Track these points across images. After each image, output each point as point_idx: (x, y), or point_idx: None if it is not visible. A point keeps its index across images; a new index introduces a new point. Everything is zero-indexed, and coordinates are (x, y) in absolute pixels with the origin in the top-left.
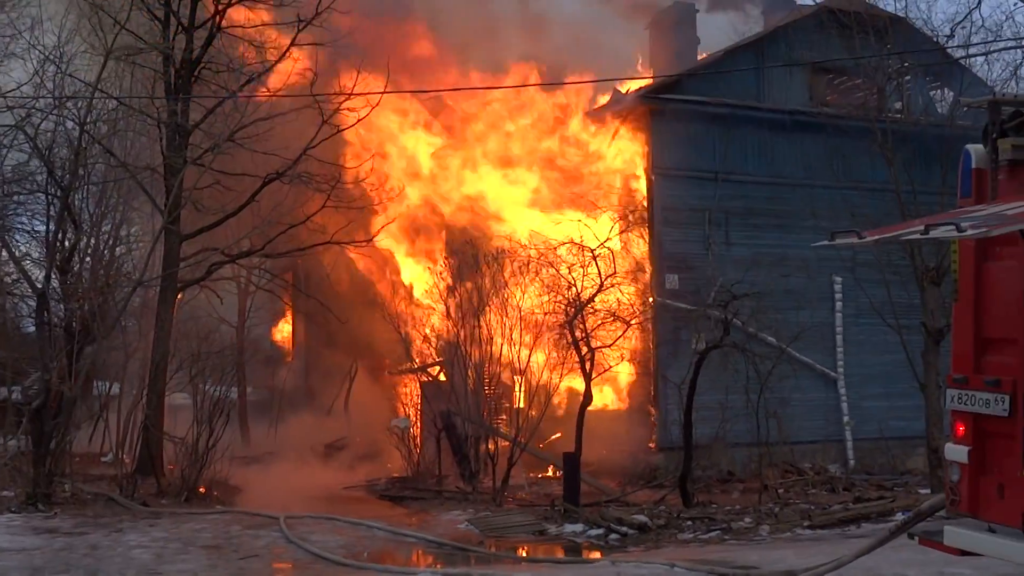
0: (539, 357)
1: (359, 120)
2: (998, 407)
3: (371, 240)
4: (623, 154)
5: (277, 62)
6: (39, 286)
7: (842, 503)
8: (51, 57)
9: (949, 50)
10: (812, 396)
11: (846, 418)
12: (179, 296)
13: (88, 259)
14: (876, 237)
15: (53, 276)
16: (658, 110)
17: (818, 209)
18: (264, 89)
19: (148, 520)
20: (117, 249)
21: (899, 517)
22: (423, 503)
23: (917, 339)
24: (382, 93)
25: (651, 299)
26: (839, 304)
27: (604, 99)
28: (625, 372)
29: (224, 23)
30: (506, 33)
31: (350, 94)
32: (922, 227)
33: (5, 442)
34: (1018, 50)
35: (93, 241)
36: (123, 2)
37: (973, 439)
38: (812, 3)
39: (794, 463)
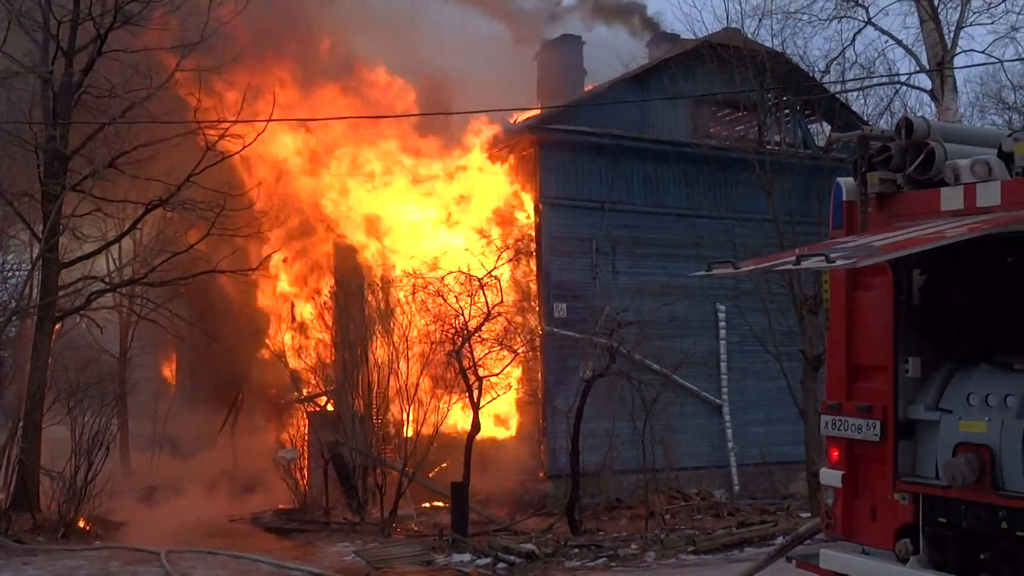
0: (427, 386)
1: (244, 147)
2: (870, 432)
3: (256, 269)
4: (511, 183)
5: (160, 88)
6: None
7: (726, 528)
8: None
9: (826, 85)
10: (697, 423)
11: (730, 444)
12: (57, 326)
13: None
14: (751, 267)
15: None
16: (546, 140)
17: (701, 238)
18: (146, 115)
19: (22, 558)
20: None
21: (780, 541)
22: (310, 535)
23: (797, 366)
24: (267, 121)
25: (539, 328)
26: (723, 332)
27: (493, 129)
28: (514, 401)
29: (105, 47)
30: (395, 63)
31: (234, 121)
32: (794, 258)
33: None
34: (890, 86)
35: None
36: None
37: (846, 464)
38: (694, 37)
39: (680, 489)
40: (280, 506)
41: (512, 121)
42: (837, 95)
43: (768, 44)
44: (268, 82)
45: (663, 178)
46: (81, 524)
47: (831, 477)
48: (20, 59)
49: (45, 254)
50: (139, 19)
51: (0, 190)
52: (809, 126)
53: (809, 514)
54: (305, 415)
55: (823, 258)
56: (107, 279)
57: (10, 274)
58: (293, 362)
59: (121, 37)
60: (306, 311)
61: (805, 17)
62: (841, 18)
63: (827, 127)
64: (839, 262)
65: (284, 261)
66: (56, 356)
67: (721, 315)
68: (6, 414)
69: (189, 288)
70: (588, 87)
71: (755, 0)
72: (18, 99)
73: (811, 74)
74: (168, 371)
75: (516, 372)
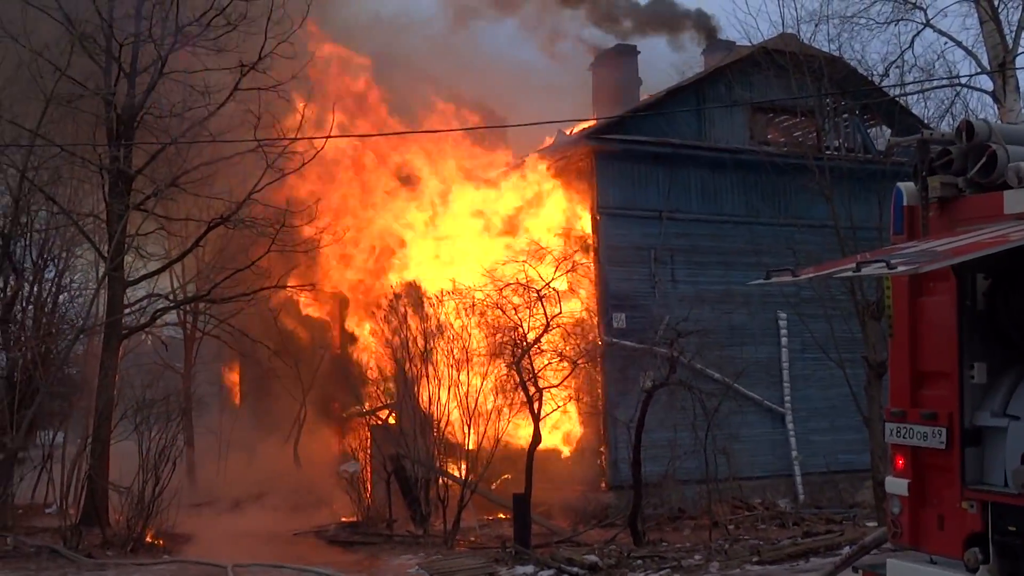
0: (487, 398)
1: (303, 164)
2: (935, 440)
3: (316, 284)
4: (568, 194)
5: (220, 107)
6: None
7: (791, 538)
8: None
9: (885, 89)
10: (760, 432)
11: (794, 453)
12: (124, 343)
13: (30, 307)
14: (810, 275)
15: None
16: (602, 150)
17: (760, 246)
18: (207, 133)
19: (93, 572)
20: (60, 297)
21: (846, 551)
22: (373, 548)
23: (860, 373)
24: (326, 138)
25: (598, 338)
26: (784, 339)
27: (549, 141)
28: (574, 412)
29: (166, 68)
30: (452, 77)
31: (293, 139)
32: (854, 265)
33: None
34: (950, 88)
35: (35, 289)
36: (64, 48)
37: (912, 472)
38: (749, 44)
39: (744, 499)
40: (344, 519)
41: (568, 132)
42: (896, 99)
43: (825, 49)
44: (327, 98)
45: (721, 186)
46: (149, 538)
47: (897, 486)
48: (84, 82)
49: (111, 273)
50: (199, 40)
51: (67, 211)
52: (868, 130)
53: (876, 523)
54: (367, 428)
55: (884, 264)
56: (171, 296)
57: (77, 293)
58: (355, 376)
59: (181, 58)
60: (367, 324)
61: (862, 21)
62: (899, 21)
63: (887, 131)
64: (901, 268)
65: (345, 275)
66: (123, 373)
67: (782, 323)
68: (75, 430)
69: (252, 303)
70: (644, 97)
71: (811, 5)
72: (83, 121)
73: (869, 78)
74: (232, 386)
75: (576, 383)
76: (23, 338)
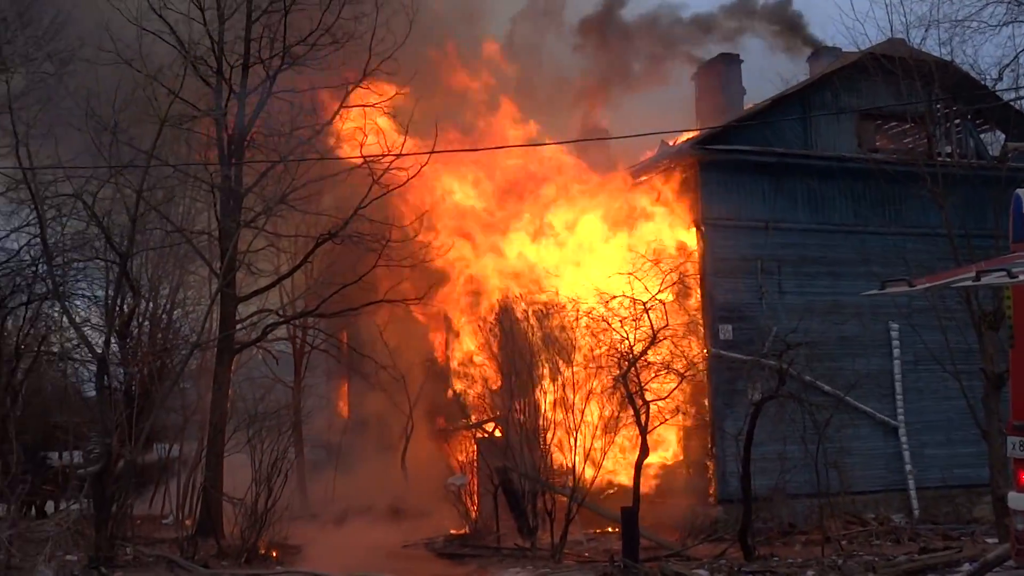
0: (594, 411)
1: (408, 179)
2: None
3: (422, 298)
4: (673, 206)
5: (327, 124)
6: (99, 351)
7: (907, 554)
8: (107, 127)
9: (998, 93)
10: (872, 445)
11: (908, 466)
12: (236, 357)
13: (146, 323)
14: (927, 285)
15: (112, 341)
16: (706, 161)
17: (870, 255)
18: (315, 151)
19: None
20: (174, 313)
21: (966, 568)
22: (482, 560)
23: (977, 385)
24: (430, 152)
25: (705, 350)
26: (896, 351)
27: (653, 152)
28: (682, 424)
29: (274, 88)
30: (551, 89)
31: (399, 154)
32: (974, 274)
33: (68, 506)
34: None
35: (151, 305)
36: (176, 71)
37: None
38: (856, 50)
39: (856, 513)
40: (452, 531)
41: (672, 143)
42: (1011, 103)
43: (935, 53)
44: (431, 113)
45: (828, 195)
46: (262, 549)
47: (1021, 501)
48: (195, 103)
49: (223, 289)
50: (305, 60)
51: (180, 229)
52: (982, 135)
53: (996, 540)
54: (473, 441)
55: (1005, 273)
56: (281, 312)
57: (191, 309)
58: (461, 390)
59: (288, 77)
60: (473, 338)
61: (974, 24)
62: (1013, 23)
63: (1001, 136)
64: (1023, 277)
65: (450, 289)
66: (235, 387)
67: (894, 334)
68: (190, 443)
69: (360, 318)
70: (748, 105)
71: (920, 10)
72: (195, 141)
73: (983, 82)
74: (341, 399)
75: (683, 396)
76: (140, 353)
